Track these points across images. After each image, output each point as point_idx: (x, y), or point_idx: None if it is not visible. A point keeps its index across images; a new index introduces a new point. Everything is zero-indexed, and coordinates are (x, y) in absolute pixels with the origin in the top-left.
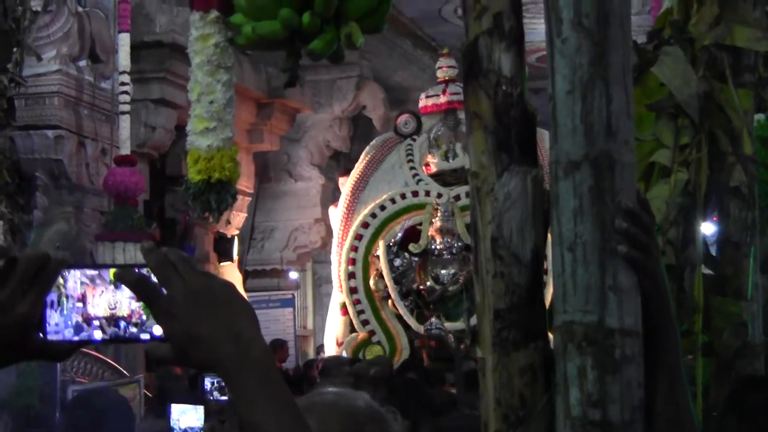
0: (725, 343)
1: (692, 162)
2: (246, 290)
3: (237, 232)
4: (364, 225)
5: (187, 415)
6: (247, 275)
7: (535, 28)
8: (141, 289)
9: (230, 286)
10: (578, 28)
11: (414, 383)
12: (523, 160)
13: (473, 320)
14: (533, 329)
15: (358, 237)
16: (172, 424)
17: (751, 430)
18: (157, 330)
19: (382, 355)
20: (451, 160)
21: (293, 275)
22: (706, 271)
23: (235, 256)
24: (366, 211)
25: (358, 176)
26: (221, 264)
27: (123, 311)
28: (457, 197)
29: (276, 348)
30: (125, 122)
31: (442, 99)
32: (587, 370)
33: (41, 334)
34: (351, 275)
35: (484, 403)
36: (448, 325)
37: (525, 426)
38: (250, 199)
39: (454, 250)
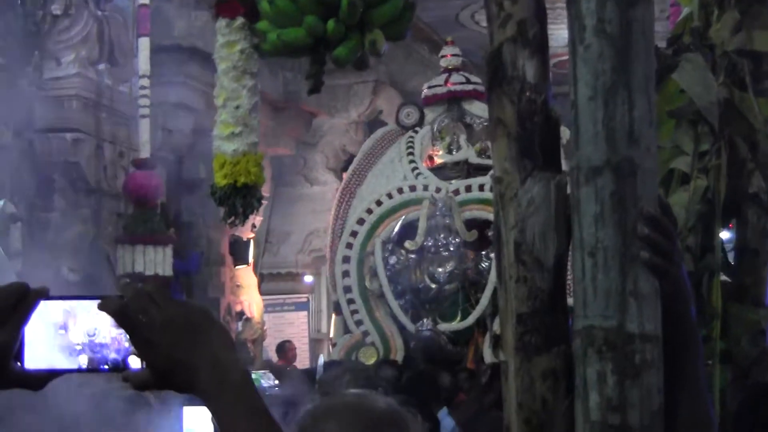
0: (743, 350)
1: (711, 169)
2: (261, 293)
3: (253, 235)
4: (360, 221)
5: (199, 416)
6: (262, 278)
7: (552, 34)
8: (121, 317)
9: (207, 313)
10: (601, 34)
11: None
12: (546, 166)
13: (470, 320)
14: (555, 334)
15: (353, 234)
16: (184, 428)
17: None
18: (132, 359)
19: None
20: (454, 152)
21: (308, 279)
22: (725, 278)
23: (251, 260)
24: (362, 207)
25: (353, 171)
26: (237, 267)
27: (103, 339)
28: (456, 192)
29: (280, 354)
30: (145, 126)
31: (444, 89)
32: (607, 375)
33: (19, 363)
34: (345, 273)
35: (506, 406)
36: (443, 326)
37: (547, 429)
38: (266, 202)
39: (451, 248)
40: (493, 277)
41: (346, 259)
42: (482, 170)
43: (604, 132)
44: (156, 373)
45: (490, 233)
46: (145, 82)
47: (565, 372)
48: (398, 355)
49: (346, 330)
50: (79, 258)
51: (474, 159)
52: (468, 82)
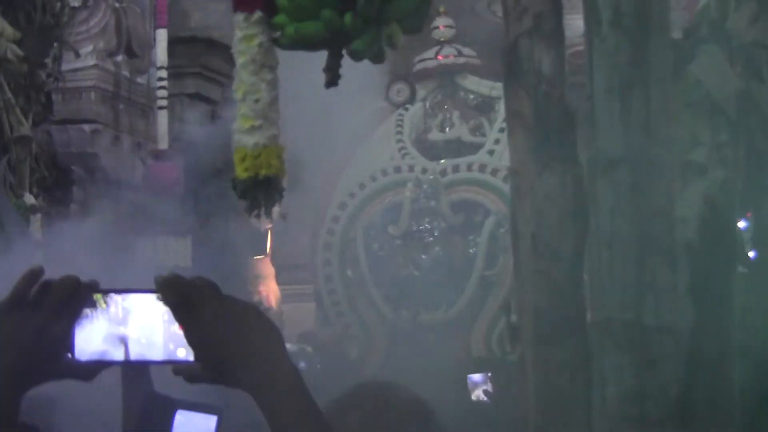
0: (764, 343)
1: (729, 160)
2: (279, 284)
3: (270, 226)
4: (342, 206)
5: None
6: (279, 269)
7: (568, 24)
8: (177, 311)
9: (256, 309)
10: (617, 28)
11: None
12: (562, 158)
13: (456, 311)
14: (573, 325)
15: (335, 219)
16: None
17: None
18: (182, 352)
19: None
20: (447, 130)
21: None
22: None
23: (268, 250)
24: (345, 190)
25: (340, 152)
26: (254, 257)
27: (156, 333)
28: (444, 172)
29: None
30: (163, 117)
31: (435, 62)
32: (624, 366)
33: (69, 355)
34: (327, 262)
35: (524, 397)
36: (427, 316)
37: (564, 420)
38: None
39: (436, 233)
40: (479, 264)
41: (327, 247)
42: (474, 148)
43: (621, 125)
44: (207, 367)
45: (476, 217)
46: (163, 73)
47: (583, 363)
48: (379, 347)
49: (326, 321)
50: (98, 249)
51: (467, 137)
52: (460, 54)
